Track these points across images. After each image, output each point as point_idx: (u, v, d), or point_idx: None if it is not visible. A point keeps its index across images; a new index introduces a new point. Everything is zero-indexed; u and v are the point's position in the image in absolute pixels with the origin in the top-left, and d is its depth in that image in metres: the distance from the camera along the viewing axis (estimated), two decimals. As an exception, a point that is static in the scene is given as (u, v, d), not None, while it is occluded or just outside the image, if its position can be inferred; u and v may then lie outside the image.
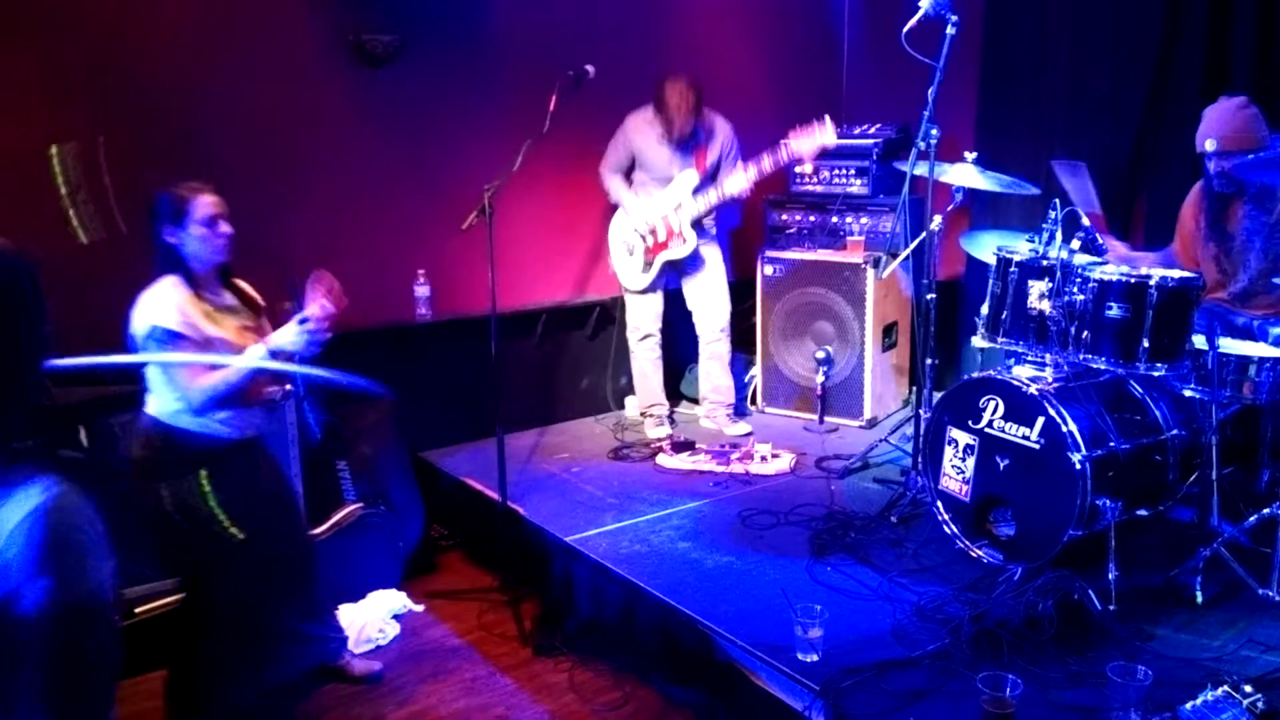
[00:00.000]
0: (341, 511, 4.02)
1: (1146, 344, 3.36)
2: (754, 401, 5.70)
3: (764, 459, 4.73)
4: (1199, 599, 3.29)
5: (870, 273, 5.23)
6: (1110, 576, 3.23)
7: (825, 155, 5.55)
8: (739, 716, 3.20)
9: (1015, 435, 3.50)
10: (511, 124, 4.76)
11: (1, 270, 1.40)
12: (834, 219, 5.55)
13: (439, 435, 5.08)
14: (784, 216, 5.72)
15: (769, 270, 5.58)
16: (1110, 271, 3.48)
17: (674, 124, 4.89)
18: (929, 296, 4.19)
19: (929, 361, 4.21)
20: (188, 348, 2.96)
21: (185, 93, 4.27)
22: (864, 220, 5.49)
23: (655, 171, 5.05)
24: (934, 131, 4.05)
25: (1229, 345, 3.44)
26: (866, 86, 6.32)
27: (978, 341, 3.85)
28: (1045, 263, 3.56)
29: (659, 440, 5.11)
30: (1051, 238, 3.56)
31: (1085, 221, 3.59)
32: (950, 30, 3.91)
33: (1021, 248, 3.75)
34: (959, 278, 5.57)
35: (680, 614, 3.37)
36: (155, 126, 4.16)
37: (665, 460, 4.81)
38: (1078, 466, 3.29)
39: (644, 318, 5.26)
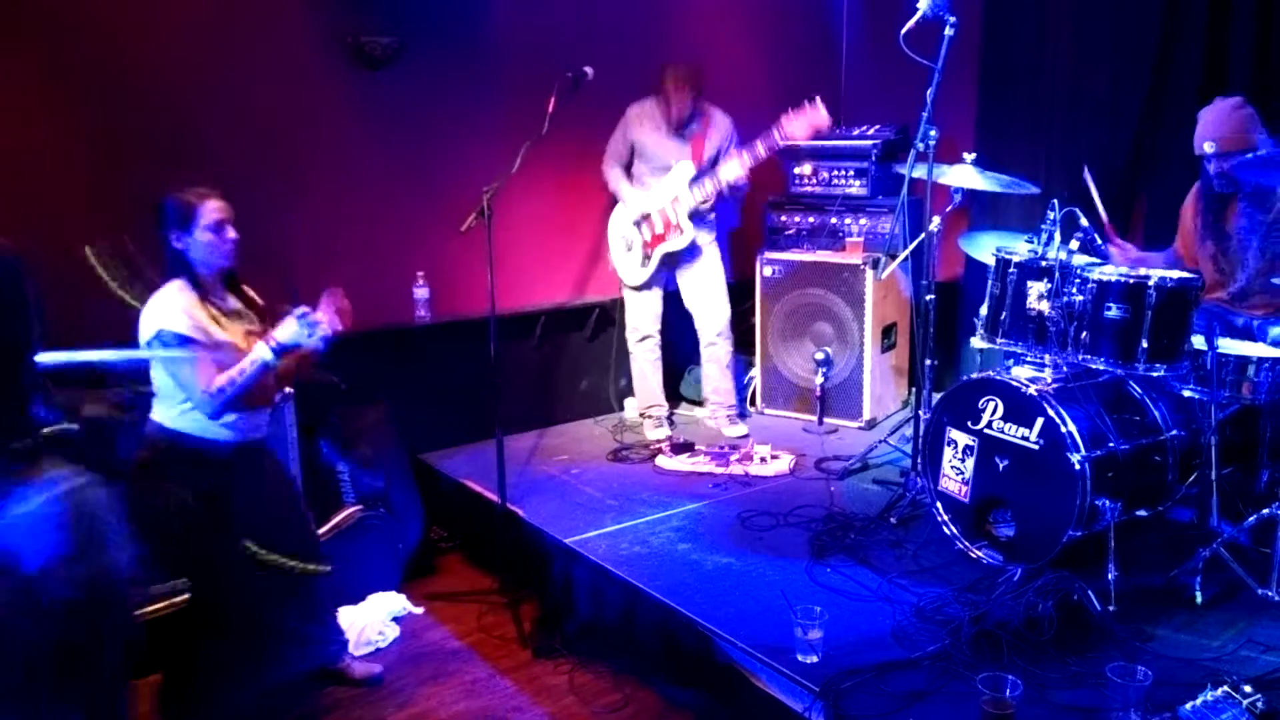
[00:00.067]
0: (341, 514, 4.01)
1: (1145, 344, 3.36)
2: (753, 403, 5.70)
3: (763, 460, 4.73)
4: (1198, 599, 3.29)
5: (869, 274, 5.23)
6: (1110, 577, 3.23)
7: (824, 156, 5.61)
8: (739, 718, 3.20)
9: (1014, 436, 3.51)
10: (510, 126, 4.76)
11: (12, 272, 1.41)
12: (833, 220, 5.55)
13: (438, 437, 5.08)
14: (783, 218, 5.72)
15: (768, 271, 5.58)
16: (1109, 272, 3.48)
17: (672, 104, 4.90)
18: (928, 297, 4.19)
19: (928, 362, 4.21)
20: (197, 351, 2.97)
21: (185, 94, 4.27)
22: (863, 221, 5.49)
23: (654, 162, 5.05)
24: (933, 133, 4.05)
25: (1228, 345, 3.44)
26: (865, 87, 6.32)
27: (977, 342, 3.86)
28: (1044, 263, 3.56)
29: (658, 442, 5.11)
30: (1050, 238, 3.57)
31: (1084, 222, 3.59)
32: (949, 31, 3.91)
33: (1020, 248, 3.76)
34: (958, 279, 5.57)
35: (680, 615, 3.37)
36: (155, 127, 4.16)
37: (664, 462, 4.81)
38: (1077, 467, 3.29)
39: (643, 319, 5.26)
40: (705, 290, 5.17)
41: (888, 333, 5.46)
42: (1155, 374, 3.42)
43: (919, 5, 3.89)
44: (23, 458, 1.42)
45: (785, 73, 6.15)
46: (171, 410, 3.05)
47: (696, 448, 4.93)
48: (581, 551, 3.87)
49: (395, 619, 4.04)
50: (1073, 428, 3.34)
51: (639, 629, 3.59)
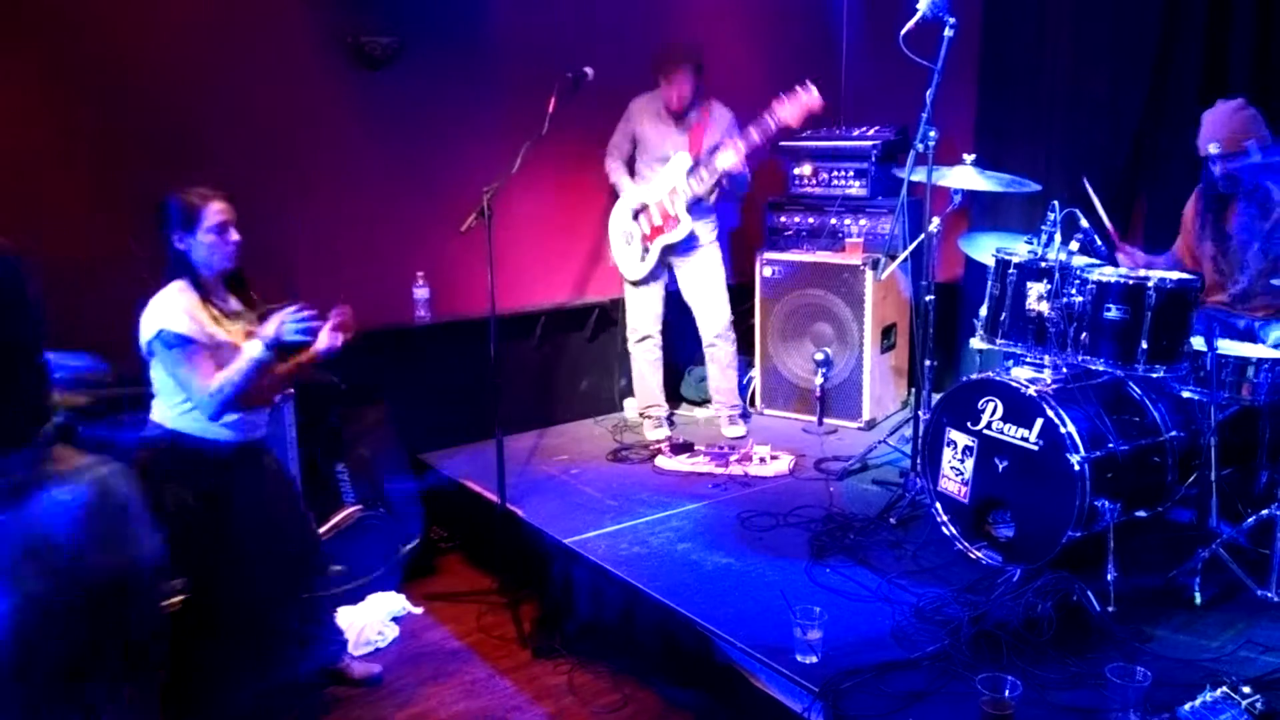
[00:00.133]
0: (341, 514, 4.01)
1: (1145, 345, 3.37)
2: (753, 403, 5.70)
3: (763, 460, 4.74)
4: (1198, 600, 3.29)
5: (869, 274, 5.23)
6: (1109, 578, 3.23)
7: (824, 156, 5.61)
8: (738, 718, 3.20)
9: (1014, 437, 3.51)
10: (510, 126, 4.76)
11: (12, 271, 1.43)
12: (833, 221, 5.56)
13: (438, 437, 5.08)
14: (783, 218, 5.72)
15: (768, 272, 5.58)
16: (1108, 273, 3.48)
17: (673, 84, 4.90)
18: (928, 298, 4.19)
19: (928, 363, 4.21)
20: (199, 352, 2.97)
21: (185, 94, 4.27)
22: (863, 222, 5.50)
23: (653, 154, 5.05)
24: (932, 133, 4.05)
25: (1227, 347, 3.44)
26: (865, 88, 6.32)
27: (976, 343, 3.86)
28: (1044, 264, 3.57)
29: (657, 442, 5.11)
30: (1050, 239, 3.57)
31: (1084, 224, 3.59)
32: (948, 32, 3.91)
33: (1020, 249, 3.76)
34: (958, 280, 5.58)
35: (680, 616, 3.37)
36: (155, 127, 4.16)
37: (664, 462, 4.81)
38: (1076, 468, 3.29)
39: (642, 319, 5.26)
40: (705, 290, 5.17)
41: (887, 333, 5.46)
42: (1155, 375, 3.42)
43: (919, 6, 3.89)
44: (47, 446, 1.45)
45: (785, 73, 6.10)
46: (171, 410, 3.05)
47: (696, 448, 4.93)
48: (581, 552, 3.87)
49: (395, 619, 4.04)
50: (1072, 428, 3.34)
51: (638, 629, 3.59)
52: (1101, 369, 3.51)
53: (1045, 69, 5.24)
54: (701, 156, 4.93)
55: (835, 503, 4.28)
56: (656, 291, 5.22)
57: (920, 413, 4.18)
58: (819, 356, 5.36)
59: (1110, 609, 3.19)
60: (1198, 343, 3.41)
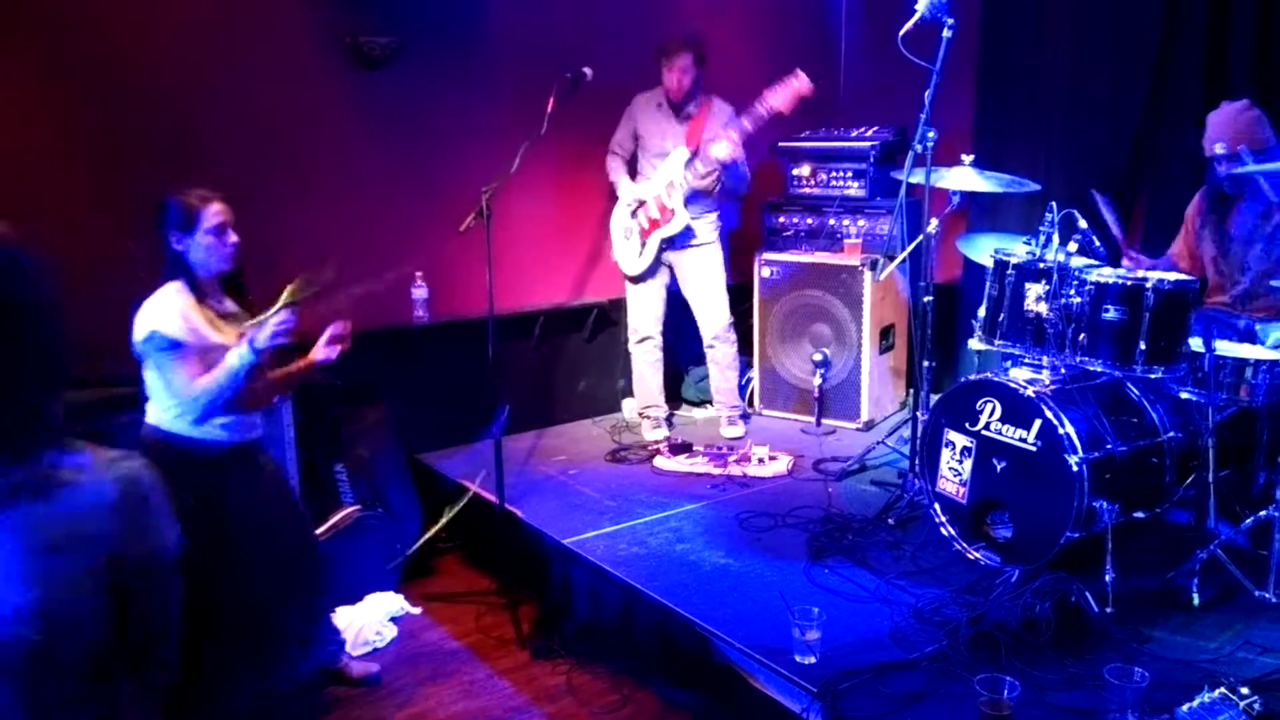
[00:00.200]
0: (339, 514, 4.02)
1: (1143, 346, 3.37)
2: (751, 404, 5.70)
3: (761, 461, 4.74)
4: (1196, 601, 3.29)
5: (868, 275, 5.23)
6: (1107, 578, 3.23)
7: (823, 157, 5.61)
8: (737, 719, 3.21)
9: (1012, 437, 3.51)
10: (509, 126, 4.76)
11: (14, 264, 1.44)
12: (831, 221, 5.56)
13: (436, 437, 5.08)
14: (781, 219, 5.72)
15: (766, 272, 5.58)
16: (1107, 274, 3.49)
17: (674, 70, 4.90)
18: (926, 299, 4.19)
19: (926, 364, 4.21)
20: (188, 355, 2.96)
21: (185, 94, 4.27)
22: (861, 223, 5.50)
23: (654, 149, 5.05)
24: (931, 134, 4.05)
25: (1225, 348, 3.45)
26: (864, 89, 6.33)
27: (975, 344, 3.86)
28: (1042, 265, 3.57)
29: (656, 443, 5.11)
30: (1048, 240, 3.57)
31: (1082, 224, 3.60)
32: (947, 33, 3.92)
33: (1018, 250, 3.76)
34: (956, 281, 5.58)
35: (678, 616, 3.37)
36: (155, 127, 4.16)
37: (663, 462, 4.81)
38: (1075, 469, 3.30)
39: (643, 320, 5.26)
40: (705, 291, 5.17)
41: (886, 334, 5.47)
42: (1153, 376, 3.43)
43: (917, 6, 3.89)
44: (68, 440, 1.48)
45: (784, 74, 6.15)
46: (165, 413, 3.04)
47: (694, 449, 4.93)
48: (579, 552, 3.87)
49: (393, 619, 4.05)
50: (1070, 429, 3.35)
51: (637, 630, 3.59)
52: (1100, 370, 3.51)
53: (1044, 69, 5.24)
54: (699, 148, 4.93)
55: (834, 503, 4.28)
56: (657, 292, 5.22)
57: (918, 413, 4.18)
58: (817, 357, 5.36)
59: (1108, 610, 3.19)
60: (1196, 344, 3.42)
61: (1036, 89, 5.28)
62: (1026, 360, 3.70)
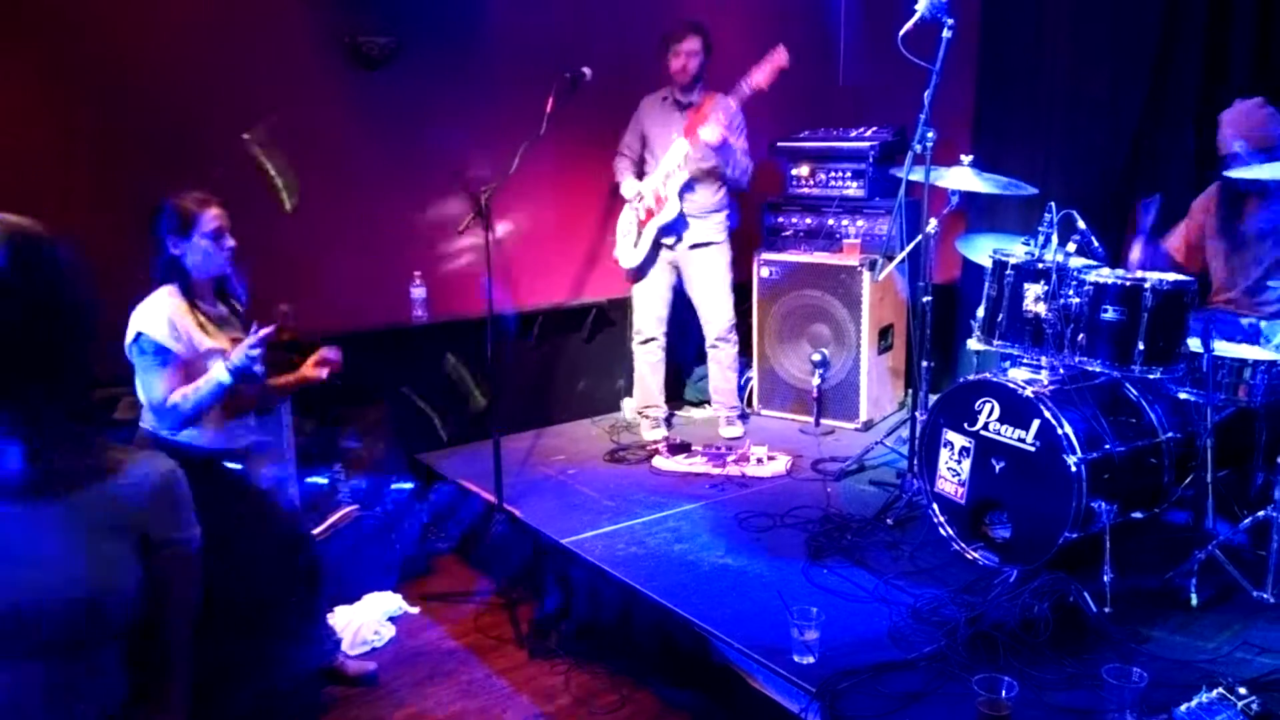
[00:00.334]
0: (338, 514, 4.02)
1: (1142, 347, 3.37)
2: (750, 404, 5.70)
3: (760, 461, 4.74)
4: (1194, 601, 3.29)
5: (866, 275, 5.23)
6: (1105, 579, 3.23)
7: (822, 157, 5.61)
8: (736, 719, 3.21)
9: (1011, 438, 3.51)
10: (508, 126, 4.75)
11: (40, 254, 1.48)
12: (830, 221, 5.56)
13: (435, 437, 5.08)
14: (780, 219, 5.72)
15: (765, 273, 5.59)
16: (1105, 274, 3.49)
17: (679, 57, 4.92)
18: (925, 299, 4.19)
19: (925, 364, 4.22)
20: (172, 363, 2.96)
21: (185, 94, 4.27)
22: (860, 223, 5.50)
23: (659, 145, 5.06)
24: (930, 134, 4.05)
25: (1224, 348, 3.45)
26: (863, 89, 6.32)
27: (973, 344, 3.87)
28: (1041, 265, 3.57)
29: (655, 442, 5.11)
30: (1047, 241, 3.57)
31: (1081, 225, 3.60)
32: (946, 33, 3.92)
33: (1017, 250, 3.76)
34: (955, 281, 5.58)
35: (677, 616, 3.37)
36: (155, 127, 4.16)
37: (661, 462, 4.82)
38: (1073, 469, 3.30)
39: (646, 320, 5.26)
40: (709, 291, 5.18)
41: (884, 334, 5.47)
42: (1151, 376, 3.43)
43: (917, 7, 3.89)
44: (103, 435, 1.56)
45: (784, 73, 6.15)
46: (155, 417, 3.04)
47: (693, 448, 4.93)
48: (578, 552, 3.87)
49: (391, 619, 4.04)
50: (1069, 430, 3.35)
51: (636, 630, 3.59)
52: (1098, 370, 3.52)
53: (1044, 69, 5.24)
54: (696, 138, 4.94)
55: (832, 503, 4.28)
56: (662, 294, 5.22)
57: (917, 414, 4.18)
58: (816, 357, 5.37)
59: (1107, 610, 3.19)
60: (1194, 344, 3.42)
61: (1036, 89, 5.27)
62: (1025, 360, 3.70)
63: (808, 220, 5.64)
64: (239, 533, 3.10)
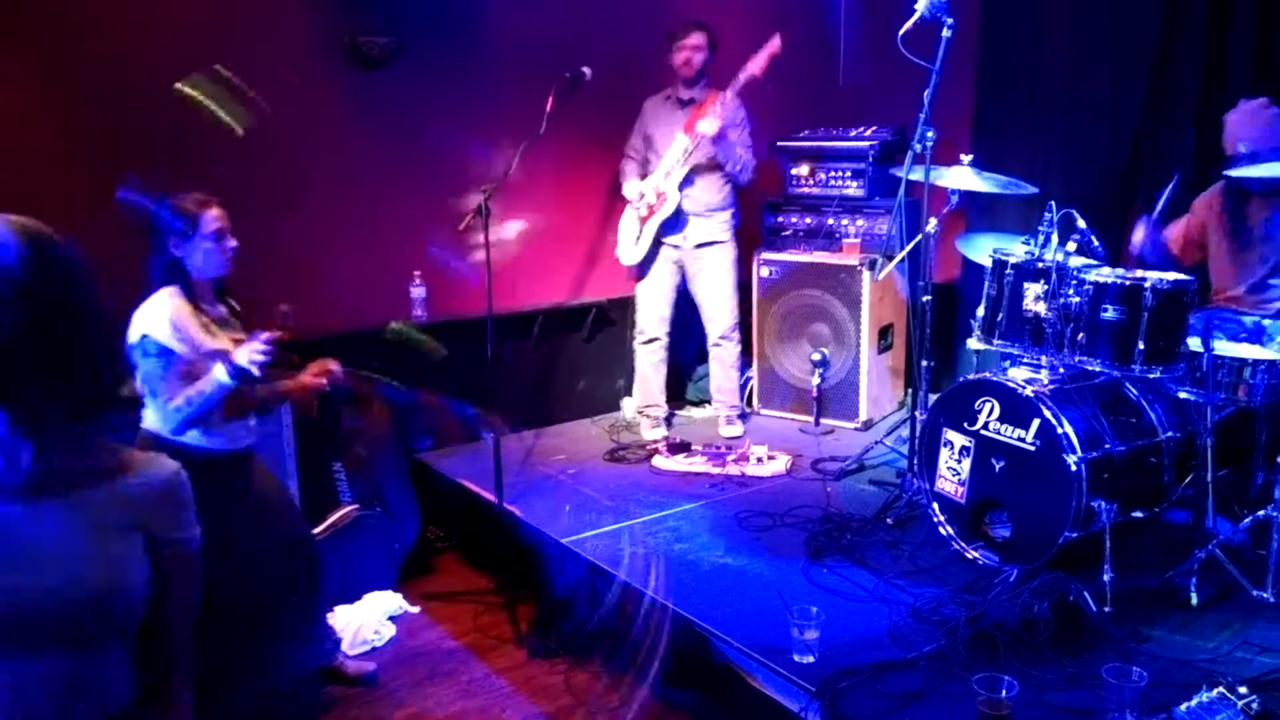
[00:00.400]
0: (337, 513, 4.02)
1: (1142, 346, 3.37)
2: (750, 403, 5.70)
3: (760, 461, 4.74)
4: (1194, 601, 3.29)
5: (866, 275, 5.23)
6: (1105, 578, 3.23)
7: (822, 157, 5.61)
8: (735, 718, 3.21)
9: (1011, 437, 3.51)
10: (508, 126, 4.77)
11: (52, 255, 1.49)
12: (830, 221, 5.56)
13: (435, 437, 5.08)
14: (780, 218, 5.72)
15: (765, 272, 5.58)
16: (1105, 274, 3.49)
17: (683, 51, 4.93)
18: (925, 299, 4.19)
19: (925, 363, 4.21)
20: (175, 365, 2.95)
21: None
22: (860, 222, 5.50)
23: (662, 144, 5.06)
24: (930, 134, 4.05)
25: (1223, 348, 3.45)
26: (863, 88, 6.32)
27: (973, 344, 3.87)
28: (1041, 265, 3.57)
29: (654, 442, 5.11)
30: (1047, 240, 3.57)
31: (1081, 224, 3.60)
32: (946, 33, 3.92)
33: (1017, 250, 3.76)
34: (955, 280, 5.58)
35: (677, 616, 3.37)
36: (155, 127, 4.15)
37: (661, 462, 4.81)
38: (1073, 468, 3.30)
39: (649, 320, 5.27)
40: (713, 290, 5.18)
41: (884, 334, 5.47)
42: (1151, 376, 3.43)
43: (917, 6, 3.89)
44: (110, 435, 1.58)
45: (783, 73, 6.15)
46: (159, 419, 3.04)
47: (693, 448, 4.93)
48: (578, 551, 3.87)
49: (391, 618, 4.05)
50: (1069, 429, 3.35)
51: (635, 629, 3.59)
52: (1098, 369, 3.52)
53: (1044, 69, 5.24)
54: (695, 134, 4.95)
55: (832, 503, 4.28)
56: (664, 294, 5.22)
57: (917, 413, 4.18)
58: (816, 357, 5.37)
59: (1107, 609, 3.19)
60: (1194, 344, 3.42)
61: (1036, 89, 5.27)
62: (1025, 360, 3.70)
63: (807, 220, 5.64)
64: (240, 533, 3.10)
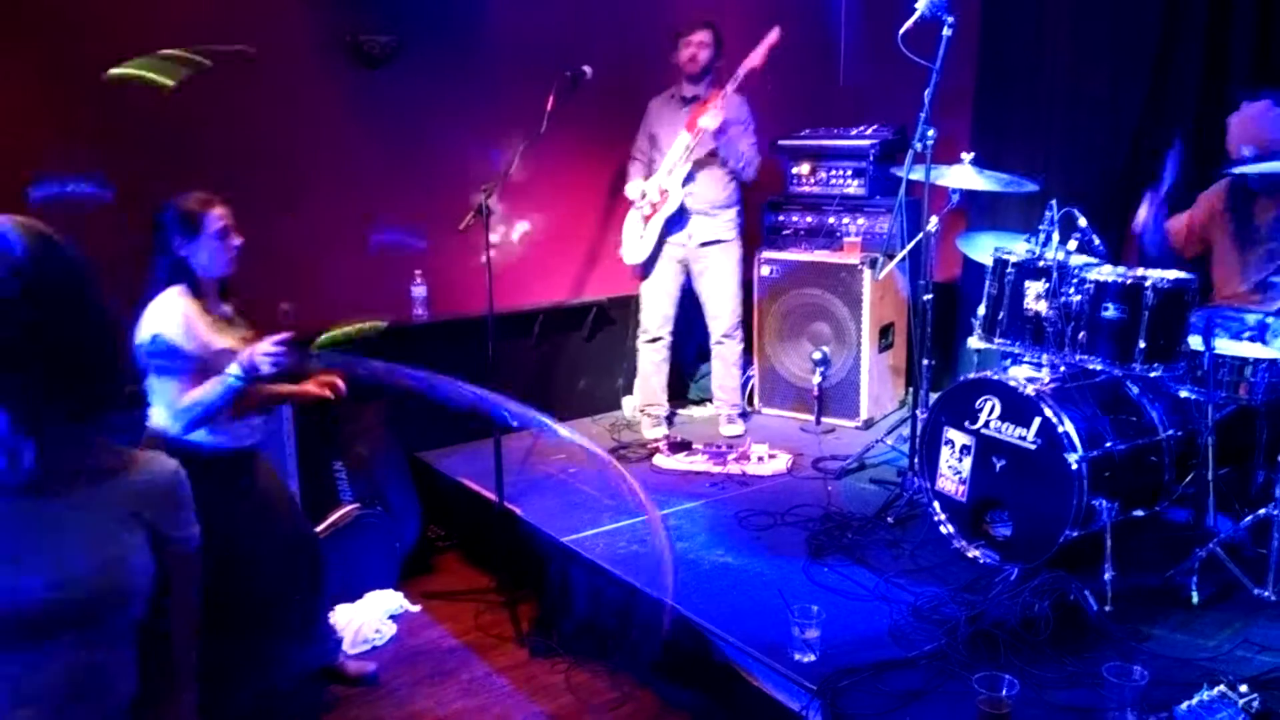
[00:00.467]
0: (338, 512, 4.02)
1: (1143, 345, 3.37)
2: (751, 402, 5.70)
3: (761, 460, 4.74)
4: (1194, 599, 3.29)
5: (867, 274, 5.23)
6: (1106, 577, 3.23)
7: (822, 155, 5.61)
8: (736, 717, 3.21)
9: (1012, 436, 3.51)
10: (509, 125, 4.77)
11: (55, 255, 1.49)
12: (831, 220, 5.56)
13: (435, 436, 5.08)
14: (781, 217, 5.72)
15: (766, 271, 5.58)
16: (1106, 272, 3.49)
17: (689, 47, 4.94)
18: (926, 297, 4.19)
19: (925, 362, 4.22)
20: (186, 364, 2.95)
21: (184, 94, 4.25)
22: (861, 221, 5.49)
23: (665, 143, 5.06)
24: (930, 133, 4.05)
25: (1224, 346, 3.45)
26: (864, 88, 6.32)
27: (974, 342, 3.86)
28: (1042, 264, 3.57)
29: (655, 441, 5.11)
30: (1048, 239, 3.57)
31: (1082, 223, 3.59)
32: (947, 32, 3.92)
33: (1018, 249, 3.76)
34: (955, 279, 5.57)
35: (677, 615, 3.37)
36: (154, 127, 4.16)
37: (662, 461, 4.81)
38: (1074, 467, 3.30)
39: (653, 319, 5.27)
40: (716, 288, 5.18)
41: (885, 333, 5.47)
42: (1152, 374, 3.43)
43: (917, 5, 3.89)
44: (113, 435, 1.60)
45: (783, 73, 6.15)
46: (167, 419, 3.04)
47: (694, 447, 4.93)
48: (579, 550, 3.87)
49: (392, 617, 4.05)
50: (1070, 428, 3.35)
51: (636, 628, 3.59)
52: (1099, 368, 3.52)
53: (1044, 68, 5.23)
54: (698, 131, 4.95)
55: (833, 502, 4.28)
56: (669, 293, 5.22)
57: (918, 412, 4.18)
58: (817, 356, 5.36)
59: (1107, 608, 3.19)
60: (1195, 342, 3.42)
61: (1036, 88, 5.27)
62: (1026, 359, 3.70)
63: (808, 219, 5.63)
64: (244, 531, 3.10)
